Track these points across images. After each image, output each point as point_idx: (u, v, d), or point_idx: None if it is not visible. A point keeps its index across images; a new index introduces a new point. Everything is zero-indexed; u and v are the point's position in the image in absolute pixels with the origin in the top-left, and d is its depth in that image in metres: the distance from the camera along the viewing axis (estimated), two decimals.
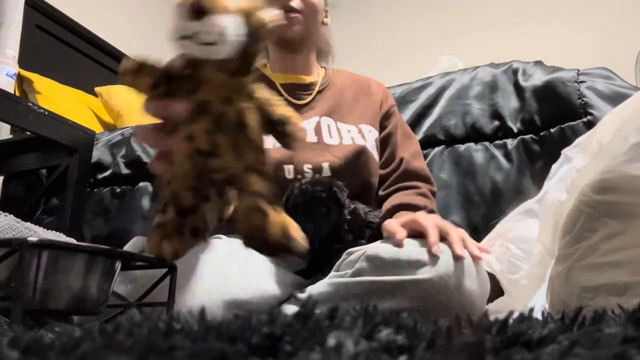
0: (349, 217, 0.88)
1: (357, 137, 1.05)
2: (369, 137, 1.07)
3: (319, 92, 1.12)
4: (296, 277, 0.90)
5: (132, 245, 0.88)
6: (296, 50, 1.12)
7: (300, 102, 1.09)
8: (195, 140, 0.53)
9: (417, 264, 0.72)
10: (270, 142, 0.88)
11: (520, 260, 0.83)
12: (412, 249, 0.74)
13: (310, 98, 1.10)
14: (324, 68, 1.23)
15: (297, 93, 1.10)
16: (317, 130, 1.04)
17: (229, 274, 0.80)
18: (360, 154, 1.03)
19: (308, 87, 1.13)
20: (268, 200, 0.59)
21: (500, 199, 1.20)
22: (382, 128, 1.13)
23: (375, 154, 1.07)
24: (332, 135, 1.04)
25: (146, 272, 0.72)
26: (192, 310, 0.75)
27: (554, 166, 0.80)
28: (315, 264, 0.91)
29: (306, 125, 1.04)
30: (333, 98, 1.11)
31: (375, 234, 0.89)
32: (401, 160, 1.08)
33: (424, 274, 0.71)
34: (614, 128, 0.64)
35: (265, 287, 0.81)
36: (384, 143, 1.11)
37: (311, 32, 1.11)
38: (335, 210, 0.84)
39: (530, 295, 0.80)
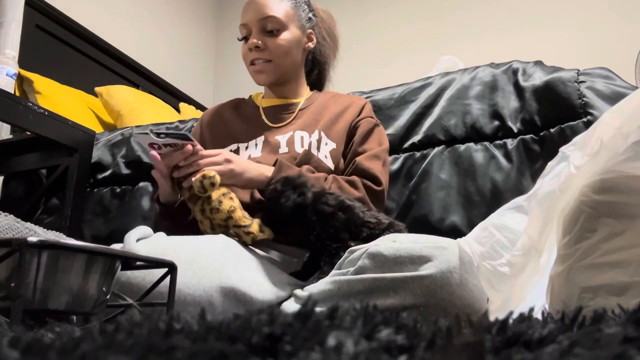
0: (342, 214, 0.89)
1: (314, 144, 1.12)
2: (323, 149, 1.12)
3: (301, 109, 1.21)
4: (292, 278, 0.90)
5: (135, 232, 0.89)
6: (279, 85, 1.23)
7: (277, 125, 1.19)
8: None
9: (419, 260, 0.73)
10: (246, 154, 1.14)
11: (502, 248, 0.83)
12: (413, 246, 0.75)
13: (291, 118, 1.20)
14: (315, 91, 1.30)
15: (278, 115, 1.21)
16: (289, 142, 1.12)
17: (225, 262, 0.82)
18: (309, 158, 1.09)
19: (289, 106, 1.23)
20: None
21: (500, 199, 1.20)
22: (350, 138, 1.17)
23: (328, 163, 1.11)
24: (304, 144, 1.12)
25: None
26: (192, 300, 0.76)
27: (550, 163, 0.80)
28: (311, 265, 0.92)
29: (281, 139, 1.14)
30: (311, 115, 1.20)
31: (375, 233, 0.89)
32: (354, 162, 1.12)
33: (426, 270, 0.72)
34: (616, 125, 0.64)
35: (261, 281, 0.82)
36: (349, 155, 1.16)
37: (285, 71, 1.21)
38: (303, 209, 0.87)
39: (508, 286, 0.79)
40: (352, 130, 1.17)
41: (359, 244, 0.83)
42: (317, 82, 1.33)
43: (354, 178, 1.07)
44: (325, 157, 1.11)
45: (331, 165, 1.11)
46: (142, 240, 0.88)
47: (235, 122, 1.23)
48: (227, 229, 0.94)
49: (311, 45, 1.25)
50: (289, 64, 1.20)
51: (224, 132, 1.21)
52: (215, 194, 0.95)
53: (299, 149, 1.10)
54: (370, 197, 1.06)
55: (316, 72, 1.31)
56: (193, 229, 1.07)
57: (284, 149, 1.12)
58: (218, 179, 0.92)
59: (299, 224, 0.90)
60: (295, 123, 1.18)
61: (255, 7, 1.16)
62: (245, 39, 1.18)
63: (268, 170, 1.02)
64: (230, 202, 0.95)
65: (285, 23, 1.16)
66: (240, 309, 0.76)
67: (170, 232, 1.13)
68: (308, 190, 0.89)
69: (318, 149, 1.11)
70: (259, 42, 1.15)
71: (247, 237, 0.92)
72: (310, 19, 1.23)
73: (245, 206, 0.99)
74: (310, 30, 1.23)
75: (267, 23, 1.15)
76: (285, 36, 1.16)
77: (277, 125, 1.19)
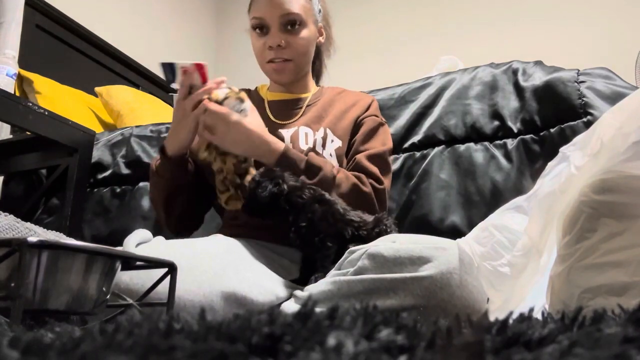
0: (319, 206, 0.90)
1: (319, 142, 1.10)
2: (328, 147, 1.10)
3: (307, 106, 1.19)
4: (293, 274, 0.90)
5: (134, 235, 0.89)
6: (292, 82, 1.20)
7: (282, 122, 1.16)
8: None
9: (419, 261, 0.72)
10: None
11: (503, 248, 0.83)
12: (413, 246, 0.74)
13: (297, 116, 1.17)
14: (321, 87, 1.28)
15: (284, 111, 1.18)
16: (294, 137, 1.10)
17: (226, 267, 0.81)
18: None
19: (297, 102, 1.20)
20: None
21: (500, 199, 1.20)
22: (353, 136, 1.16)
23: (333, 162, 1.09)
24: (308, 142, 1.09)
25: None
26: (192, 305, 0.76)
27: (550, 164, 0.80)
28: (308, 269, 0.92)
29: (285, 133, 1.11)
30: (316, 111, 1.17)
31: (363, 234, 0.89)
32: (354, 160, 1.11)
33: (425, 270, 0.71)
34: (617, 125, 0.64)
35: (262, 283, 0.82)
36: (350, 153, 1.14)
37: (302, 69, 1.19)
38: (262, 194, 0.90)
39: (509, 286, 0.79)
40: (356, 128, 1.15)
41: (358, 244, 0.83)
42: (318, 69, 1.30)
43: (360, 174, 1.05)
44: (331, 155, 1.09)
45: (336, 164, 1.10)
46: (142, 244, 0.88)
47: None
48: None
49: (322, 40, 1.22)
50: (306, 61, 1.18)
51: None
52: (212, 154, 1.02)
53: (303, 145, 1.09)
54: (375, 195, 1.05)
55: (318, 60, 1.28)
56: (187, 191, 1.08)
57: (287, 144, 1.09)
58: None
59: (276, 214, 0.92)
60: (300, 120, 1.16)
61: (276, 1, 1.10)
62: (260, 32, 1.13)
63: (274, 148, 1.00)
64: (221, 164, 1.01)
65: (305, 20, 1.12)
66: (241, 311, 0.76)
67: (161, 190, 1.10)
68: (285, 182, 0.91)
69: (323, 146, 1.10)
70: (282, 41, 1.11)
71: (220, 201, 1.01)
72: (320, 10, 1.20)
73: None
74: (320, 24, 1.20)
75: (289, 20, 1.10)
76: (305, 34, 1.13)
77: (282, 122, 1.16)
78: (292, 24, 1.11)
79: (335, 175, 1.00)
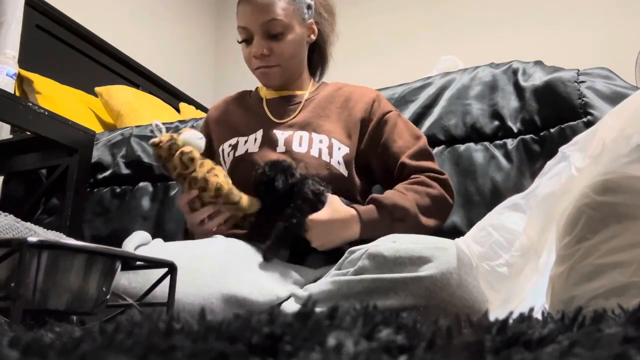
0: (294, 184, 0.94)
1: (324, 151, 1.07)
2: (335, 155, 1.08)
3: (305, 103, 1.18)
4: (293, 273, 0.91)
5: (133, 238, 0.89)
6: (284, 83, 1.20)
7: (279, 121, 1.15)
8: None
9: (419, 261, 0.73)
10: (244, 148, 1.12)
11: (500, 248, 0.83)
12: (413, 246, 0.75)
13: (294, 114, 1.15)
14: (322, 83, 1.27)
15: (282, 108, 1.17)
16: (288, 141, 1.09)
17: (226, 268, 0.81)
18: (324, 169, 1.06)
19: (293, 98, 1.20)
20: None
21: (500, 199, 1.20)
22: (372, 139, 1.14)
23: (342, 170, 1.07)
24: (302, 145, 1.08)
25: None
26: (192, 308, 0.76)
27: (549, 163, 0.79)
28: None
29: (280, 136, 1.10)
30: (314, 109, 1.16)
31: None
32: (402, 165, 1.09)
33: (426, 270, 0.71)
34: (618, 127, 0.64)
35: (262, 284, 0.82)
36: (383, 155, 1.12)
37: (293, 71, 1.18)
38: (279, 187, 0.93)
39: (507, 287, 0.79)
40: (364, 128, 1.13)
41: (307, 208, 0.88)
42: (318, 61, 1.27)
43: (422, 178, 1.04)
44: (339, 162, 1.07)
45: (344, 172, 1.07)
46: (141, 247, 0.88)
47: (238, 115, 1.20)
48: (218, 204, 0.97)
49: (313, 37, 1.19)
50: (296, 64, 1.17)
51: (227, 126, 1.18)
52: (200, 173, 0.95)
53: (297, 148, 1.07)
54: (444, 189, 1.05)
55: (316, 53, 1.25)
56: None
57: (281, 147, 1.08)
58: (196, 154, 0.96)
59: (286, 205, 0.95)
60: (297, 119, 1.14)
61: (255, 9, 1.08)
62: (246, 41, 1.13)
63: (352, 223, 0.96)
64: (215, 178, 0.96)
65: (289, 24, 1.10)
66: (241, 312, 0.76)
67: None
68: (296, 172, 0.95)
69: (330, 155, 1.07)
70: (265, 49, 1.10)
71: (238, 213, 0.97)
72: (309, 6, 1.16)
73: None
74: (310, 21, 1.17)
75: (270, 27, 1.08)
76: (290, 38, 1.11)
77: (279, 120, 1.15)
78: (274, 30, 1.09)
79: (414, 204, 0.99)
